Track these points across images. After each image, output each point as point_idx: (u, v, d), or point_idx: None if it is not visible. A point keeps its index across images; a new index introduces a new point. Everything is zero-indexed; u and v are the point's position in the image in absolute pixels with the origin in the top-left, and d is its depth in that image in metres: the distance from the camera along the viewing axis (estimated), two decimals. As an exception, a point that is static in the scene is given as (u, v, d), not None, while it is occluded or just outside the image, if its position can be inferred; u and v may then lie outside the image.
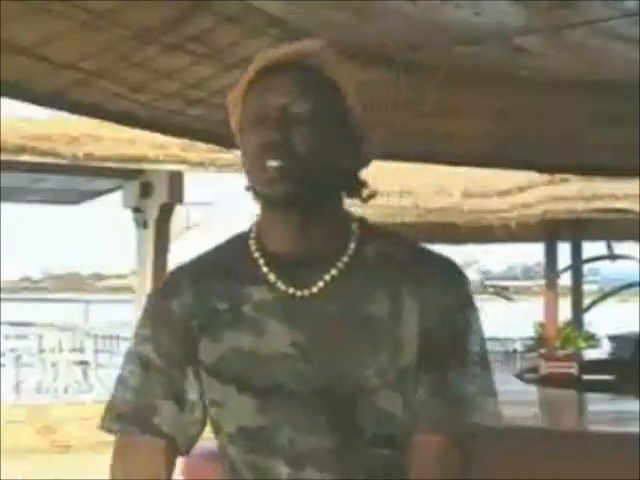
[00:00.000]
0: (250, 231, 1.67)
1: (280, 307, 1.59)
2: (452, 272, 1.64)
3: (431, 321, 1.58)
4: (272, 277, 1.60)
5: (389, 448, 1.57)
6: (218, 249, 1.70)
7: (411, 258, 1.63)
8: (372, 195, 1.66)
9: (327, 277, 1.59)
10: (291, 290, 1.59)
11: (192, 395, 1.64)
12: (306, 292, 1.59)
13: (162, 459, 1.64)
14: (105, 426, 1.66)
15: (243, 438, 1.59)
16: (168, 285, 1.68)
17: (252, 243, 1.64)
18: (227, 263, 1.65)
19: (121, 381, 1.67)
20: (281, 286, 1.59)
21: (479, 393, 1.59)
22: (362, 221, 1.68)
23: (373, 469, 1.57)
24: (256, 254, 1.63)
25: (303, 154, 1.56)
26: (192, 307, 1.63)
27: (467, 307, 1.62)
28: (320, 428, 1.55)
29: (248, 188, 1.64)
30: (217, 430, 1.64)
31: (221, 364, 1.60)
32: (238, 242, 1.67)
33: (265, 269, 1.61)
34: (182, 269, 1.70)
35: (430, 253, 1.66)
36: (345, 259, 1.61)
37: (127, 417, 1.63)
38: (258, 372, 1.57)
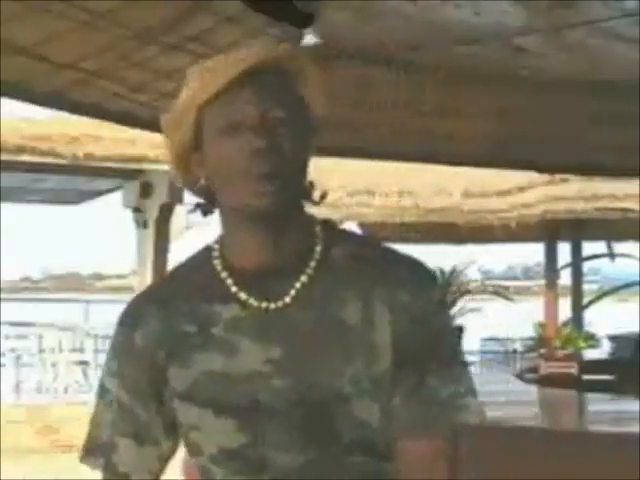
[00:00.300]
0: (213, 249, 1.63)
1: (253, 324, 1.56)
2: (420, 274, 1.61)
3: (403, 327, 1.56)
4: (243, 295, 1.57)
5: (369, 456, 1.56)
6: (181, 271, 1.67)
7: (379, 260, 1.60)
8: (324, 196, 1.64)
9: (298, 285, 1.57)
10: (264, 304, 1.57)
11: (156, 429, 1.63)
12: (279, 304, 1.56)
13: None
14: (81, 459, 1.68)
15: (226, 459, 1.58)
16: (131, 314, 1.66)
17: (217, 263, 1.61)
18: (192, 285, 1.62)
19: (94, 414, 1.68)
20: (253, 302, 1.57)
21: (458, 393, 1.57)
22: (325, 223, 1.64)
23: (355, 478, 1.56)
24: (223, 274, 1.60)
25: (289, 159, 1.53)
26: (158, 335, 1.61)
27: (437, 309, 1.61)
28: (300, 441, 1.54)
29: (199, 205, 1.61)
30: (197, 453, 1.62)
31: (194, 389, 1.58)
32: (202, 261, 1.64)
33: (234, 288, 1.58)
34: (145, 295, 1.68)
35: (397, 255, 1.63)
36: (313, 264, 1.58)
37: (94, 453, 1.66)
38: (234, 392, 1.56)
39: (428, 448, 1.55)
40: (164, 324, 1.61)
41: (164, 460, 1.67)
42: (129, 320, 1.65)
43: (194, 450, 1.62)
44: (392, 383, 1.55)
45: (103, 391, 1.67)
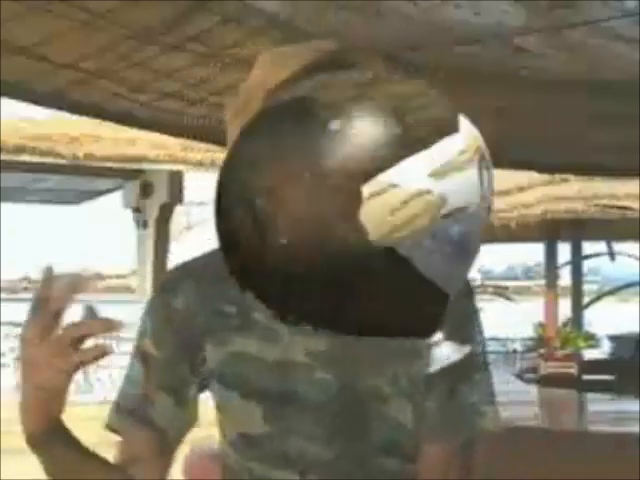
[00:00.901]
0: None
1: None
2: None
3: (443, 331, 1.55)
4: None
5: (400, 459, 1.56)
6: None
7: None
8: None
9: None
10: None
11: (188, 391, 1.60)
12: None
13: (154, 453, 1.59)
14: (107, 424, 1.62)
15: (245, 445, 1.57)
16: (171, 284, 1.63)
17: None
18: None
19: (125, 378, 1.64)
20: None
21: (483, 400, 1.58)
22: None
23: (381, 478, 1.56)
24: None
25: None
26: (196, 306, 1.59)
27: (474, 315, 1.61)
28: (333, 437, 1.54)
29: None
30: (220, 434, 1.61)
31: (224, 368, 1.57)
32: None
33: None
34: (184, 270, 1.65)
35: None
36: None
37: (124, 410, 1.60)
38: (266, 379, 1.54)
39: (445, 453, 1.56)
40: (203, 300, 1.58)
41: (189, 426, 1.62)
42: (169, 287, 1.61)
43: (220, 432, 1.61)
44: (426, 387, 1.56)
45: (134, 352, 1.62)
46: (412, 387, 1.55)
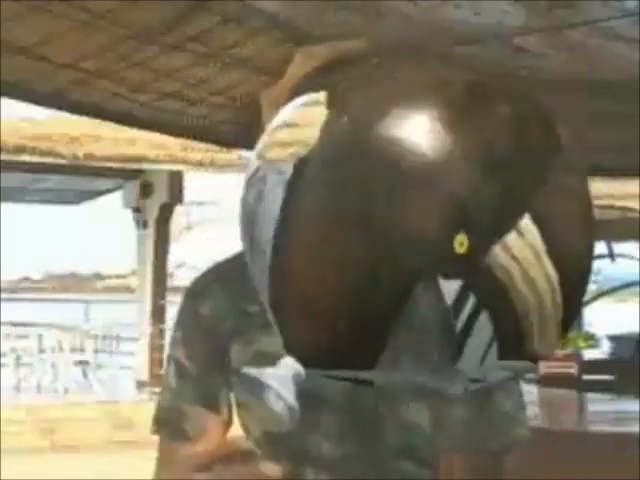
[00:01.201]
0: None
1: None
2: None
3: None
4: None
5: (416, 462, 1.56)
6: None
7: None
8: None
9: None
10: None
11: (221, 397, 1.63)
12: None
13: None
14: (152, 431, 1.66)
15: (268, 443, 1.58)
16: (197, 288, 1.66)
17: None
18: None
19: (163, 385, 1.68)
20: None
21: (517, 406, 1.59)
22: None
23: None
24: None
25: None
26: (224, 311, 1.61)
27: None
28: (348, 435, 1.55)
29: None
30: (245, 433, 1.63)
31: (249, 367, 1.60)
32: None
33: None
34: (211, 272, 1.68)
35: None
36: None
37: (162, 421, 1.64)
38: None
39: (474, 461, 1.56)
40: (232, 303, 1.61)
41: (226, 431, 1.65)
42: (195, 293, 1.65)
43: (243, 430, 1.63)
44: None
45: (169, 361, 1.66)
46: (430, 391, 1.55)
